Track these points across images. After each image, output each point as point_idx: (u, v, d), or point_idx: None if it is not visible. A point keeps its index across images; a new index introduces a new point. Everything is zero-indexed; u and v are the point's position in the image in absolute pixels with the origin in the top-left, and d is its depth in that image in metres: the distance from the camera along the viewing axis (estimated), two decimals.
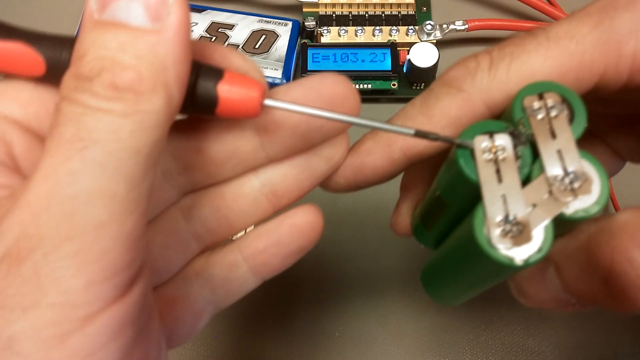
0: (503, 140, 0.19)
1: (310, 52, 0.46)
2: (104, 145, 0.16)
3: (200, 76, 0.19)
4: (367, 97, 0.46)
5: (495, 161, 0.19)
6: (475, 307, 0.40)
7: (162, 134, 0.17)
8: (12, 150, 0.20)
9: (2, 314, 0.16)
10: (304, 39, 0.47)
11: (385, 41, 0.46)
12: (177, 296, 0.24)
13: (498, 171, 0.19)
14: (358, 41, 0.47)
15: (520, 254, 0.18)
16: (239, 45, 0.46)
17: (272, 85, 0.43)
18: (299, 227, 0.23)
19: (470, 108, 0.21)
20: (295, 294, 0.40)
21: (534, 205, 0.18)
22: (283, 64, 0.46)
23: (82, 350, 0.16)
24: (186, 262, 0.24)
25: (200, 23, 0.47)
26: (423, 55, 0.44)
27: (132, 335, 0.18)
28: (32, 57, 0.19)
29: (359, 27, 0.47)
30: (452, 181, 0.21)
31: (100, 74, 0.16)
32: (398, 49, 0.46)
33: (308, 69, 0.45)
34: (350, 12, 0.48)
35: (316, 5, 0.48)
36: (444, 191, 0.22)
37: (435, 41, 0.46)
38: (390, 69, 0.45)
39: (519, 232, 0.18)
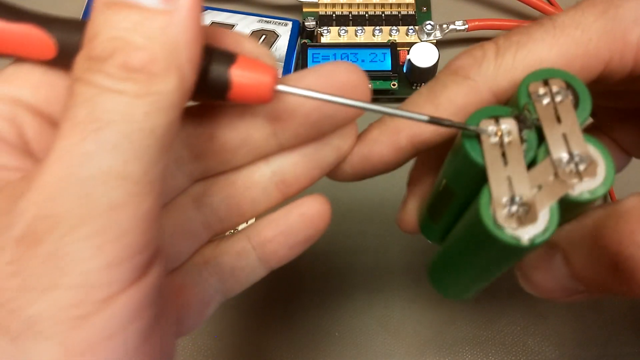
0: (508, 124, 0.20)
1: (310, 52, 0.46)
2: (118, 126, 0.16)
3: (212, 60, 0.19)
4: None
5: (501, 145, 0.19)
6: (475, 307, 0.40)
7: (175, 116, 0.17)
8: (24, 133, 0.20)
9: (22, 295, 0.15)
10: (304, 39, 0.47)
11: (385, 41, 0.47)
12: (186, 284, 0.24)
13: (504, 154, 0.19)
14: (358, 41, 0.47)
15: (526, 234, 0.18)
16: None
17: None
18: (308, 216, 0.24)
19: (477, 96, 0.21)
20: (295, 293, 0.40)
21: (540, 187, 0.18)
22: (283, 64, 0.46)
23: (102, 331, 0.16)
24: (195, 250, 0.24)
25: None
26: (423, 55, 0.44)
27: (150, 318, 0.18)
28: (43, 40, 0.19)
29: (359, 27, 0.47)
30: (459, 167, 0.21)
31: (113, 55, 0.16)
32: (398, 49, 0.46)
33: None
34: (350, 12, 0.48)
35: (316, 5, 0.48)
36: (450, 179, 0.22)
37: (435, 41, 0.47)
38: (390, 69, 0.45)
39: (524, 212, 0.18)
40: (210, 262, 0.24)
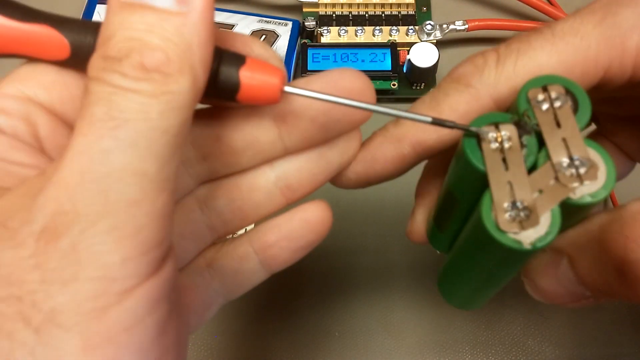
0: (508, 130, 0.20)
1: (310, 52, 0.46)
2: (134, 125, 0.16)
3: (222, 62, 0.19)
4: None
5: (502, 150, 0.19)
6: None
7: (188, 115, 0.17)
8: (38, 132, 0.20)
9: (43, 287, 0.16)
10: (304, 39, 0.47)
11: (385, 41, 0.47)
12: (188, 286, 0.24)
13: (504, 160, 0.19)
14: (358, 41, 0.47)
15: (528, 237, 0.18)
16: None
17: None
18: (310, 222, 0.24)
19: (478, 103, 0.22)
20: (295, 293, 0.40)
21: (541, 191, 0.19)
22: (283, 64, 0.45)
23: (121, 323, 0.16)
24: (199, 252, 0.25)
25: None
26: (423, 55, 0.44)
27: (166, 311, 0.18)
28: (57, 41, 0.19)
29: (359, 27, 0.47)
30: (461, 174, 0.21)
31: (129, 55, 0.16)
32: (398, 49, 0.46)
33: (308, 69, 0.45)
34: (350, 12, 0.48)
35: (316, 5, 0.48)
36: (453, 185, 0.22)
37: (435, 41, 0.47)
38: (390, 69, 0.45)
39: (526, 216, 0.18)
40: (212, 265, 0.24)
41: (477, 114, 0.21)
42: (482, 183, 0.19)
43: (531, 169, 0.19)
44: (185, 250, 0.24)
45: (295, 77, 0.47)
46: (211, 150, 0.23)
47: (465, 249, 0.22)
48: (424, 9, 0.49)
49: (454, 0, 0.51)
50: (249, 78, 0.19)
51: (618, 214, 0.18)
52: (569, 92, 0.20)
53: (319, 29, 0.47)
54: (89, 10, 0.48)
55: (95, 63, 0.17)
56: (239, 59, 0.20)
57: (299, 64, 0.47)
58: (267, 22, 0.48)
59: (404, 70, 0.46)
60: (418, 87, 0.46)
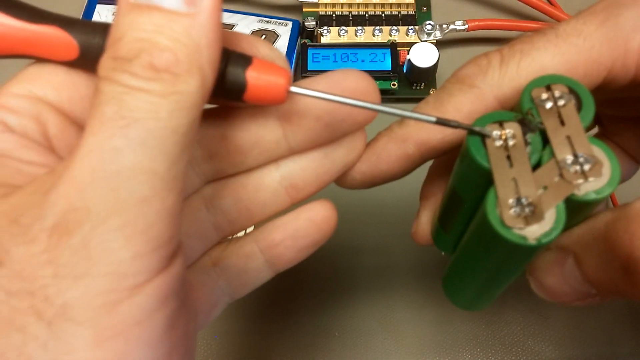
0: (512, 128, 0.20)
1: (310, 52, 0.46)
2: (144, 124, 0.16)
3: (229, 63, 0.20)
4: None
5: (506, 147, 0.20)
6: None
7: (197, 115, 0.18)
8: (47, 131, 0.20)
9: (55, 282, 0.16)
10: (304, 39, 0.47)
11: (385, 41, 0.47)
12: (194, 284, 0.24)
13: (509, 157, 0.19)
14: (358, 41, 0.47)
15: (533, 233, 0.18)
16: None
17: None
18: (315, 221, 0.24)
19: (482, 104, 0.22)
20: (295, 293, 0.40)
21: (545, 188, 0.19)
22: (288, 64, 0.45)
23: (132, 317, 0.17)
24: (205, 251, 0.25)
25: None
26: (423, 55, 0.44)
27: (175, 306, 0.18)
28: (66, 41, 0.20)
29: (359, 27, 0.47)
30: (465, 172, 0.21)
31: (139, 55, 0.17)
32: (398, 49, 0.47)
33: (308, 69, 0.45)
34: (350, 12, 0.48)
35: (316, 5, 0.48)
36: (458, 185, 0.22)
37: (435, 41, 0.47)
38: (390, 69, 0.45)
39: (531, 212, 0.18)
40: (218, 264, 0.25)
41: (481, 114, 0.21)
42: (486, 181, 0.19)
43: (535, 167, 0.19)
44: (191, 249, 0.24)
45: (295, 77, 0.47)
46: (217, 149, 0.23)
47: (470, 247, 0.22)
48: (424, 9, 0.49)
49: (454, 0, 0.51)
50: (255, 78, 0.20)
51: (624, 211, 0.18)
52: (572, 91, 0.20)
53: (319, 29, 0.47)
54: (89, 10, 0.48)
55: (105, 63, 0.17)
56: (246, 60, 0.20)
57: (299, 64, 0.47)
58: (267, 22, 0.48)
59: (404, 70, 0.46)
60: (418, 87, 0.46)
